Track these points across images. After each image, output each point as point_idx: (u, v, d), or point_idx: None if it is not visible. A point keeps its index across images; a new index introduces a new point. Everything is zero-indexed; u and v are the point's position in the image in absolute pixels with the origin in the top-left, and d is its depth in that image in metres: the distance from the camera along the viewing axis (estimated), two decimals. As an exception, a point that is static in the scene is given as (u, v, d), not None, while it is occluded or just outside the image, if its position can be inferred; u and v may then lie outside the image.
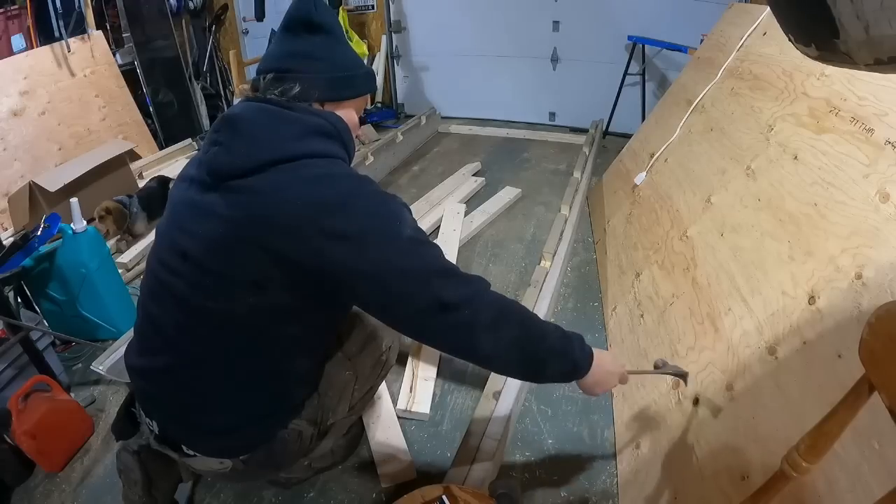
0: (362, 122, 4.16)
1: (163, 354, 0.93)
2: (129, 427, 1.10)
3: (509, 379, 1.38)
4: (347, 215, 0.80)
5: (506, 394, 1.41)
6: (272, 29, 3.74)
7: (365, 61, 4.25)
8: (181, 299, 0.87)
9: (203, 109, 4.04)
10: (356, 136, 0.99)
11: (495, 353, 0.87)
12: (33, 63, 2.72)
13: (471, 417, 1.52)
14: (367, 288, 0.82)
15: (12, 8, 2.92)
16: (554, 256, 2.03)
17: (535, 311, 1.66)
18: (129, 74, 3.33)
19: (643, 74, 3.55)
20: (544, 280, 1.87)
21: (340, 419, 1.16)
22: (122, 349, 1.52)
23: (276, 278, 0.82)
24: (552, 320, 1.88)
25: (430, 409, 1.54)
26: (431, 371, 1.66)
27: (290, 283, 0.83)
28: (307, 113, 0.88)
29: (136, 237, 2.47)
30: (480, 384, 1.65)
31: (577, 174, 2.85)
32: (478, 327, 0.84)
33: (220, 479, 1.20)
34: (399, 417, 1.50)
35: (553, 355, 0.92)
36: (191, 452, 0.98)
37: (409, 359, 1.70)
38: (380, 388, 1.58)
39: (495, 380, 1.45)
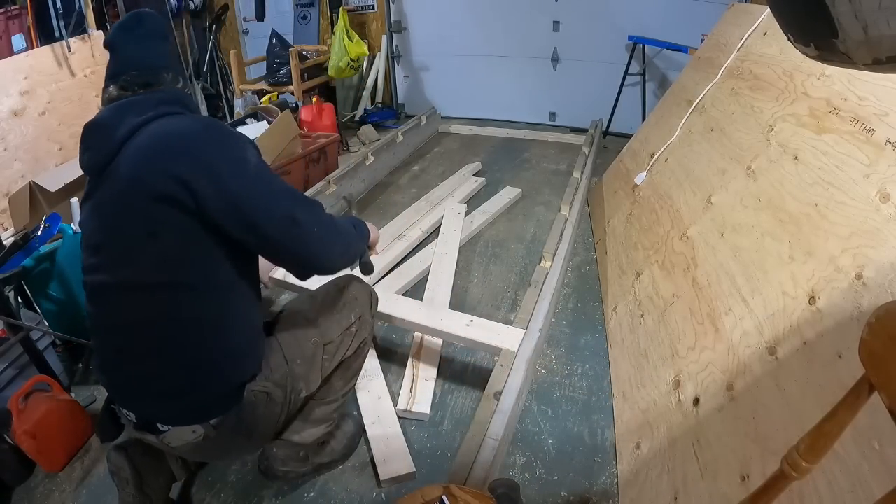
0: (363, 122, 4.15)
1: (112, 340, 1.02)
2: (112, 427, 1.17)
3: (510, 379, 1.39)
4: (197, 159, 0.93)
5: (506, 395, 1.41)
6: (272, 29, 3.76)
7: (365, 61, 4.26)
8: (106, 286, 0.99)
9: (203, 109, 4.05)
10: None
11: (329, 258, 1.09)
12: (34, 63, 2.73)
13: (471, 418, 1.52)
14: (232, 213, 0.94)
15: (12, 8, 2.92)
16: (554, 257, 2.03)
17: (535, 312, 1.67)
18: (129, 74, 3.33)
19: (643, 74, 3.55)
20: (544, 280, 1.86)
21: (319, 394, 1.23)
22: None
23: (166, 223, 0.93)
24: (552, 321, 1.90)
25: (431, 409, 1.54)
26: (432, 371, 1.66)
27: (175, 224, 0.93)
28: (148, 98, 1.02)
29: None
30: (480, 384, 1.65)
31: (577, 174, 2.85)
32: (321, 236, 1.04)
33: (199, 454, 1.15)
34: (399, 417, 1.50)
35: (358, 247, 1.22)
36: (165, 428, 1.01)
37: (410, 359, 1.70)
38: (380, 386, 1.59)
39: (496, 380, 1.45)
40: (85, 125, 1.01)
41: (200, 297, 0.98)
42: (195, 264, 0.97)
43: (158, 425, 1.02)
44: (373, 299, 1.35)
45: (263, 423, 1.10)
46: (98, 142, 0.98)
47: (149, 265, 0.95)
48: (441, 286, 2.05)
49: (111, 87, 1.02)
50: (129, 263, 0.96)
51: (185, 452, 1.09)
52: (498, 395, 1.35)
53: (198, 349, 1.00)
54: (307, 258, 1.04)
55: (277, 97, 3.63)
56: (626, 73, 3.52)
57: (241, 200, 0.94)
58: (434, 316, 1.65)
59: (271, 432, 1.17)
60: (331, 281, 1.29)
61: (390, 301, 1.71)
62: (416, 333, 1.79)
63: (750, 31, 1.89)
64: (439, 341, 1.76)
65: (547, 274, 1.90)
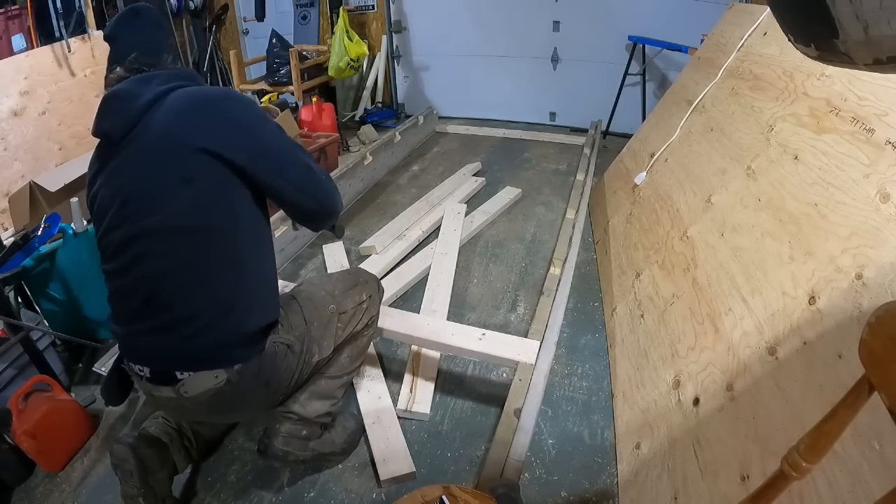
0: (363, 122, 4.17)
1: (135, 295, 1.04)
2: (118, 391, 1.26)
3: (529, 396, 1.42)
4: (228, 115, 1.04)
5: (526, 412, 1.38)
6: (272, 29, 3.76)
7: (365, 61, 4.26)
8: (135, 237, 1.01)
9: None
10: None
11: (335, 200, 1.21)
12: (34, 63, 2.72)
13: (472, 419, 1.52)
14: (263, 160, 1.05)
15: (12, 8, 2.92)
16: (564, 263, 2.03)
17: (550, 324, 1.67)
18: (129, 74, 3.33)
19: (643, 74, 3.55)
20: (557, 288, 1.86)
21: (328, 368, 1.29)
22: (123, 349, 1.52)
23: (201, 170, 1.00)
24: (552, 320, 1.90)
25: (431, 409, 1.54)
26: (432, 371, 1.66)
27: (209, 172, 1.01)
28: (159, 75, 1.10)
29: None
30: (481, 385, 1.65)
31: (580, 177, 2.85)
32: (327, 183, 1.19)
33: (215, 406, 1.11)
34: (399, 417, 1.50)
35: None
36: (185, 375, 1.03)
37: (410, 359, 1.70)
38: (380, 386, 1.59)
39: (514, 395, 1.44)
40: (105, 96, 1.06)
41: (228, 239, 1.05)
42: (225, 208, 1.03)
43: (177, 373, 1.03)
44: (380, 286, 1.47)
45: (281, 375, 1.15)
46: (122, 108, 1.03)
47: (181, 210, 1.00)
48: (441, 286, 2.05)
49: (117, 69, 1.09)
50: (160, 210, 1.00)
51: (201, 403, 1.08)
52: (518, 413, 1.35)
53: (225, 290, 1.04)
54: (322, 199, 1.16)
55: (277, 97, 3.63)
56: (626, 73, 3.52)
57: (271, 150, 1.07)
58: (444, 331, 1.58)
59: (285, 388, 1.19)
60: (343, 269, 1.41)
61: (395, 317, 1.65)
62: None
63: (750, 31, 1.89)
64: (439, 341, 1.75)
65: (559, 281, 1.90)
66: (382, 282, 2.07)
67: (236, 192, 1.05)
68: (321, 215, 1.20)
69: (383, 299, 1.95)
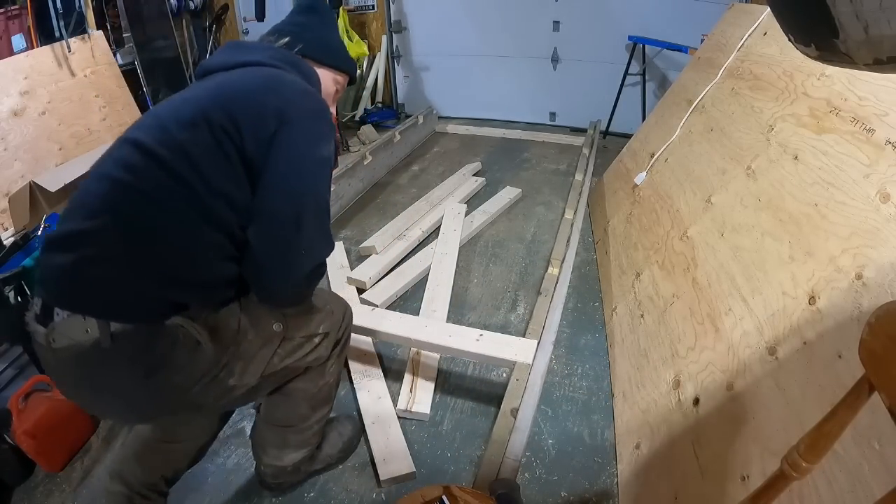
0: (363, 122, 4.14)
1: (99, 217, 0.87)
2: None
3: (526, 396, 1.39)
4: (288, 107, 0.94)
5: (523, 412, 1.38)
6: (272, 29, 3.76)
7: (365, 61, 4.25)
8: (132, 145, 0.90)
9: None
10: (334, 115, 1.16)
11: (284, 285, 0.99)
12: (34, 63, 2.72)
13: (472, 420, 1.52)
14: (277, 163, 0.92)
15: (12, 8, 2.92)
16: (563, 263, 2.03)
17: (547, 324, 1.67)
18: (129, 74, 3.33)
19: (643, 74, 3.56)
20: (555, 288, 1.86)
21: (289, 419, 1.17)
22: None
23: (211, 129, 0.90)
24: (552, 320, 1.90)
25: (430, 409, 1.54)
26: (432, 371, 1.66)
27: (214, 139, 0.90)
28: (289, 53, 1.10)
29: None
30: (482, 385, 1.65)
31: (578, 177, 2.85)
32: (300, 265, 0.98)
33: (79, 374, 0.91)
34: (399, 417, 1.50)
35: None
36: (61, 316, 0.86)
37: (410, 359, 1.70)
38: (380, 386, 1.59)
39: (511, 395, 1.44)
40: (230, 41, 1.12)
41: (198, 198, 0.89)
42: (209, 169, 0.90)
43: (56, 311, 0.87)
44: (346, 322, 1.22)
45: (175, 375, 0.91)
46: (226, 55, 1.06)
47: (172, 142, 0.89)
48: (441, 286, 2.05)
49: (270, 36, 1.15)
50: (162, 135, 0.90)
51: (67, 365, 0.89)
52: (515, 412, 1.35)
53: (172, 242, 0.89)
54: (271, 259, 0.94)
55: (277, 97, 3.62)
56: (626, 73, 3.52)
57: (283, 168, 0.93)
58: (441, 333, 1.59)
59: (181, 399, 0.95)
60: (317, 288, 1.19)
61: (392, 319, 1.66)
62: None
63: (750, 31, 1.89)
64: (439, 341, 1.75)
65: (557, 282, 1.90)
66: (382, 282, 2.09)
67: (231, 166, 0.91)
68: (261, 275, 0.96)
69: (384, 302, 1.97)
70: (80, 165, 2.53)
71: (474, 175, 3.16)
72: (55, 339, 0.87)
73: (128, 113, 3.26)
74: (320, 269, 1.03)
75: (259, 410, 1.26)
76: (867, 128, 1.05)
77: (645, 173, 2.15)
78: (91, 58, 3.03)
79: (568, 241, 2.19)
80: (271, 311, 1.04)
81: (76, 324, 0.85)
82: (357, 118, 4.28)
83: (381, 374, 1.66)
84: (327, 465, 1.36)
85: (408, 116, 4.21)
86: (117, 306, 0.86)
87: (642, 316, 1.61)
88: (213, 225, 0.91)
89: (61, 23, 2.87)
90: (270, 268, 0.95)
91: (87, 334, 0.85)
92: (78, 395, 0.98)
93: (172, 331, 0.89)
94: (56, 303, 0.88)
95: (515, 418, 1.33)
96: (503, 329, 1.86)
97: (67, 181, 2.38)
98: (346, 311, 1.23)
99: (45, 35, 2.94)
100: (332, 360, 1.19)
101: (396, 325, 1.63)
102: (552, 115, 4.20)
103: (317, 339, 1.13)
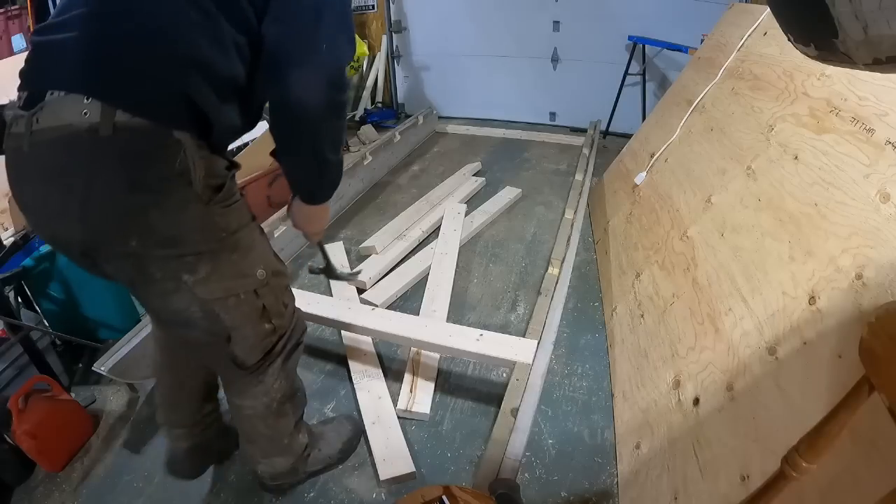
0: (363, 122, 4.10)
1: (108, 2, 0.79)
2: None
3: (526, 396, 1.38)
4: None
5: (523, 412, 1.38)
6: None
7: (365, 61, 4.25)
8: None
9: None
10: None
11: (316, 117, 0.90)
12: (34, 63, 2.73)
13: (472, 420, 1.52)
14: None
15: (13, 8, 2.93)
16: (563, 263, 2.03)
17: (547, 324, 1.67)
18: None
19: (643, 74, 3.56)
20: (555, 288, 1.86)
21: (190, 299, 0.90)
22: (124, 349, 1.52)
23: None
24: (552, 320, 1.90)
25: (430, 409, 1.54)
26: (432, 371, 1.66)
27: None
28: None
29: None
30: (482, 385, 1.65)
31: (578, 177, 2.85)
32: (329, 86, 0.88)
33: (48, 178, 0.80)
34: (399, 417, 1.50)
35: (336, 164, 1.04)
36: (54, 95, 0.77)
37: (410, 359, 1.70)
38: (380, 386, 1.59)
39: (511, 395, 1.44)
40: None
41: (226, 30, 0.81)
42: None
43: (49, 93, 0.77)
44: (298, 320, 1.14)
45: (153, 204, 0.80)
46: None
47: None
48: (441, 287, 2.05)
49: None
50: None
51: (39, 153, 0.79)
52: (515, 412, 1.35)
53: (191, 27, 0.79)
54: (287, 55, 0.85)
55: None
56: (626, 73, 3.52)
57: None
58: (441, 333, 1.59)
59: (131, 235, 0.81)
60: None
61: (392, 320, 1.67)
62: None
63: (750, 31, 1.89)
64: (439, 341, 1.76)
65: (557, 282, 1.90)
66: (382, 283, 2.09)
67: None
68: (305, 97, 0.87)
69: (384, 302, 1.97)
70: None
71: (474, 175, 3.15)
72: (38, 121, 0.77)
73: (128, 113, 3.26)
74: (343, 79, 0.93)
75: None
76: (867, 128, 1.05)
77: (645, 173, 2.15)
78: (91, 58, 3.03)
79: (568, 241, 2.19)
80: (254, 258, 0.95)
81: (73, 104, 0.76)
82: (357, 118, 4.28)
83: (381, 374, 1.66)
84: (327, 465, 1.35)
85: (408, 116, 4.21)
86: (128, 89, 0.77)
87: (642, 316, 1.61)
88: (232, 19, 0.82)
89: (61, 23, 2.88)
90: (287, 63, 0.85)
91: (83, 117, 0.75)
92: (31, 192, 0.84)
93: (174, 150, 0.79)
94: (54, 82, 0.78)
95: (515, 418, 1.33)
96: (503, 329, 1.86)
97: (67, 181, 2.38)
98: (299, 314, 1.13)
99: (46, 35, 2.94)
100: (273, 371, 1.08)
101: (396, 325, 1.64)
102: (552, 114, 4.20)
103: (290, 308, 1.07)
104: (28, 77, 0.83)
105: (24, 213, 0.88)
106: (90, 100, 0.75)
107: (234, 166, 0.93)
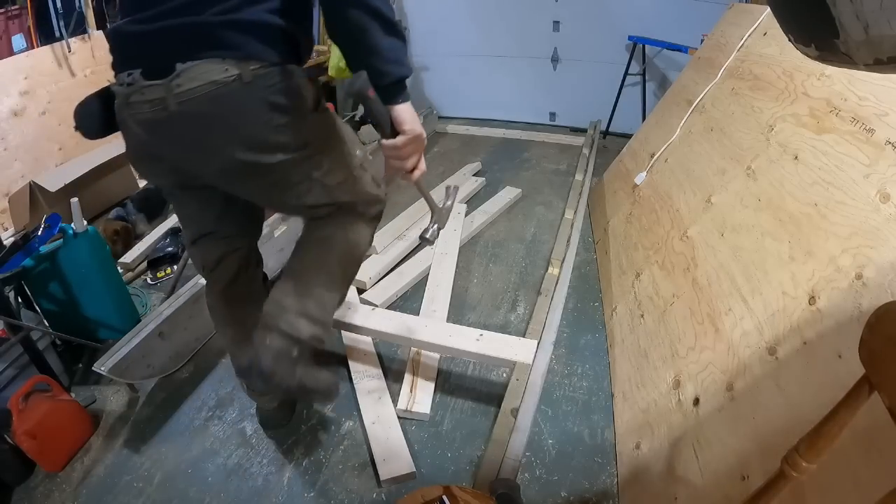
0: (363, 122, 4.08)
1: None
2: (99, 119, 1.05)
3: (526, 397, 1.37)
4: None
5: (523, 412, 1.38)
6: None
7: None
8: None
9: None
10: None
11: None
12: (34, 63, 2.72)
13: (472, 420, 1.52)
14: None
15: (12, 8, 2.92)
16: (563, 263, 2.03)
17: (547, 324, 1.66)
18: (129, 74, 3.33)
19: (643, 74, 3.55)
20: (555, 288, 1.86)
21: (319, 186, 1.14)
22: (124, 349, 1.53)
23: None
24: (552, 320, 1.90)
25: (431, 409, 1.54)
26: (432, 371, 1.66)
27: None
28: None
29: (137, 237, 2.48)
30: (482, 385, 1.65)
31: (578, 177, 2.85)
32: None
33: (194, 125, 0.98)
34: (399, 417, 1.50)
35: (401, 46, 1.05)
36: (186, 65, 0.92)
37: (410, 359, 1.70)
38: (380, 386, 1.59)
39: (512, 395, 1.44)
40: None
41: None
42: None
43: (178, 64, 0.92)
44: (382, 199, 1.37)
45: (293, 117, 1.02)
46: None
47: None
48: (441, 287, 2.05)
49: None
50: None
51: (184, 109, 0.94)
52: (515, 412, 1.35)
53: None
54: None
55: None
56: (626, 73, 3.52)
57: None
58: (441, 333, 1.60)
59: (279, 145, 1.02)
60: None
61: (392, 320, 1.68)
62: (416, 333, 1.79)
63: (750, 31, 1.89)
64: (439, 341, 1.76)
65: (557, 282, 1.90)
66: (382, 283, 2.09)
67: None
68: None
69: (384, 302, 1.97)
70: (80, 165, 2.53)
71: (474, 175, 3.15)
72: (180, 85, 0.92)
73: (128, 113, 3.26)
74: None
75: (280, 277, 1.24)
76: (867, 128, 1.05)
77: (645, 173, 2.15)
78: (91, 58, 3.03)
79: (568, 241, 2.19)
80: (351, 144, 1.24)
81: (215, 66, 0.93)
82: (357, 118, 4.28)
83: (381, 374, 1.66)
84: (314, 390, 1.25)
85: (408, 116, 4.21)
86: (250, 46, 0.94)
87: (642, 316, 1.61)
88: None
89: (61, 23, 2.87)
90: None
91: (226, 73, 0.93)
92: (178, 143, 1.02)
93: (291, 78, 1.00)
94: (183, 56, 0.92)
95: (515, 418, 1.33)
96: (503, 329, 1.86)
97: (67, 181, 2.38)
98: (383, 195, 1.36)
99: (46, 35, 2.94)
100: (369, 223, 1.31)
101: (396, 325, 1.64)
102: (552, 115, 4.20)
103: (377, 195, 1.30)
104: (147, 56, 0.96)
105: (155, 167, 1.12)
106: (226, 60, 0.93)
107: (316, 81, 1.13)
